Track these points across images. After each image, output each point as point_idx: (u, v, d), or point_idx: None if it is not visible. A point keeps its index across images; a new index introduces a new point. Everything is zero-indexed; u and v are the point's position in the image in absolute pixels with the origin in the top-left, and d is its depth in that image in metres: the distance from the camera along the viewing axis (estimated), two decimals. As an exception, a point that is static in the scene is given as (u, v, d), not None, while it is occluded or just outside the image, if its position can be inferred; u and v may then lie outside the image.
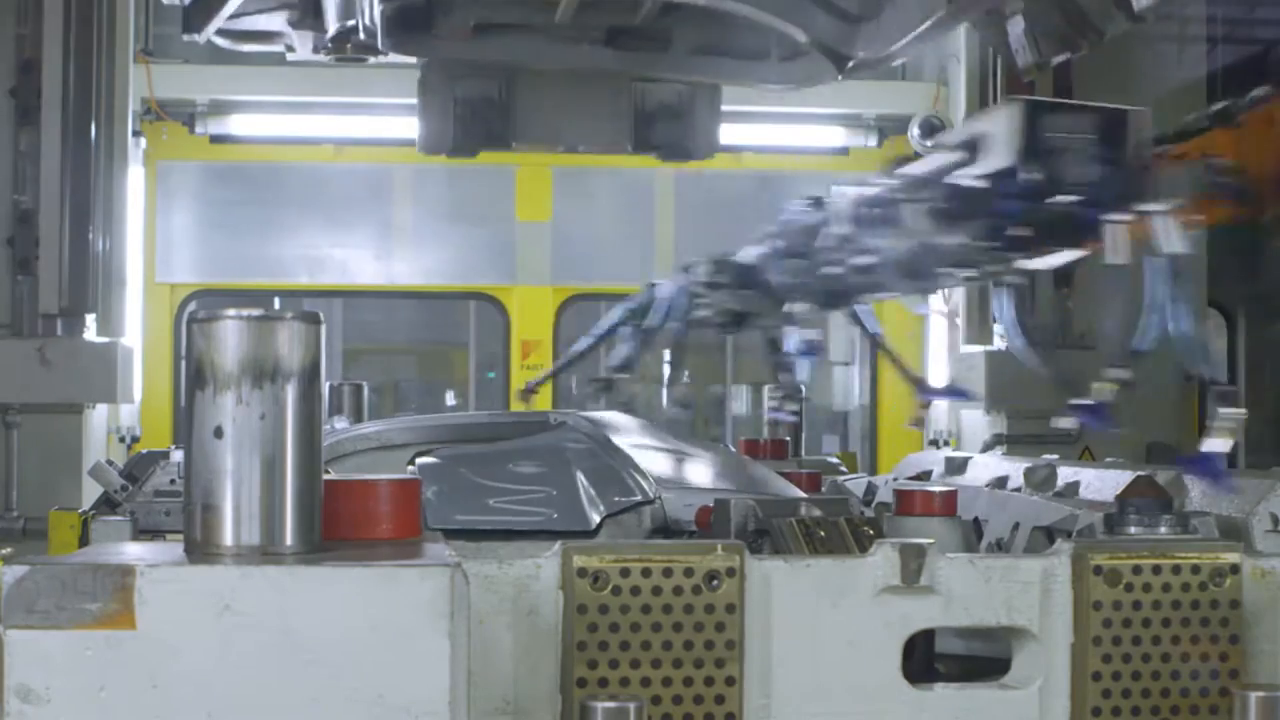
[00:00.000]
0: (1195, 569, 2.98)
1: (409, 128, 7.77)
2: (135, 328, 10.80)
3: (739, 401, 14.14)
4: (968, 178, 4.00)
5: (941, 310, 11.23)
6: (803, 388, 6.29)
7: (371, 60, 6.07)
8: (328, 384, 7.16)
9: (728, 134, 7.90)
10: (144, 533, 4.84)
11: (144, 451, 6.08)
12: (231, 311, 2.60)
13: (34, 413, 9.41)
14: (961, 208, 4.00)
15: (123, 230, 10.29)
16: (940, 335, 11.58)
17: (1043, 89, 9.11)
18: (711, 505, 3.94)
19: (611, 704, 2.59)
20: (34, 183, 9.41)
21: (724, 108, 7.48)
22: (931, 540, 3.00)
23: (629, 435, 4.69)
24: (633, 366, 6.34)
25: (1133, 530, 3.40)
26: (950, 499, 3.89)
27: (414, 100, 7.33)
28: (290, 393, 2.60)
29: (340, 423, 6.35)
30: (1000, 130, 3.90)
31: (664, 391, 12.95)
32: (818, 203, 5.09)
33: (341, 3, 5.75)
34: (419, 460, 4.44)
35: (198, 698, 2.45)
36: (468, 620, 2.65)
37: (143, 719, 2.44)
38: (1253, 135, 4.36)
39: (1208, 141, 4.38)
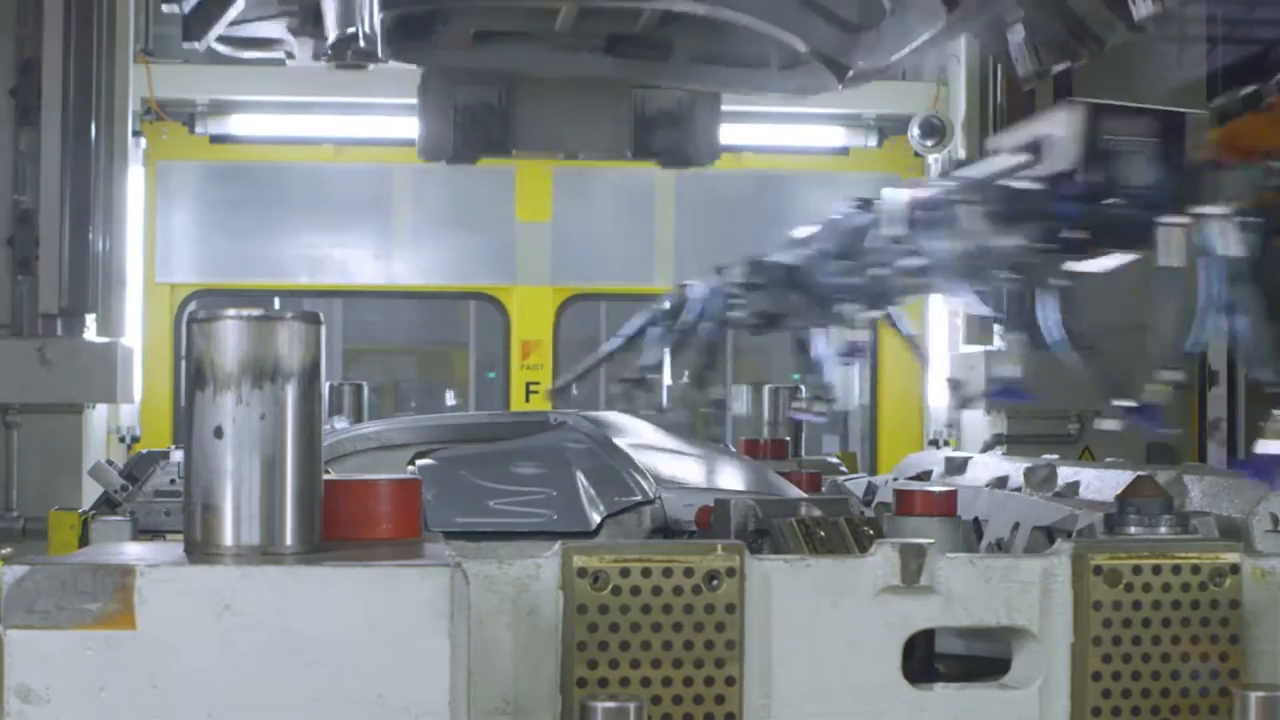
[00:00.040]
0: (1195, 569, 2.97)
1: (409, 128, 7.77)
2: (135, 328, 10.80)
3: (739, 402, 14.11)
4: (1024, 180, 4.01)
5: (958, 310, 11.19)
6: (832, 388, 6.26)
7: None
8: (328, 384, 7.16)
9: (728, 134, 7.90)
10: (144, 533, 4.84)
11: (144, 451, 6.09)
12: (231, 311, 2.60)
13: (34, 413, 9.41)
14: (1018, 210, 4.00)
15: (123, 230, 10.29)
16: (940, 336, 11.57)
17: (1043, 89, 9.10)
18: (711, 505, 3.94)
19: (611, 704, 2.59)
20: (34, 183, 9.41)
21: (724, 108, 7.48)
22: (931, 540, 3.00)
23: (629, 435, 4.68)
24: (662, 367, 6.33)
25: (1133, 530, 3.39)
26: (950, 499, 3.88)
27: (414, 100, 7.32)
28: (290, 393, 2.60)
29: (340, 423, 6.34)
30: (1062, 133, 3.91)
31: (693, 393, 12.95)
32: (865, 204, 5.07)
33: (341, 10, 5.75)
34: (419, 463, 4.44)
35: (198, 698, 2.45)
36: (468, 620, 2.65)
37: (143, 719, 2.44)
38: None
39: (1242, 126, 4.36)
